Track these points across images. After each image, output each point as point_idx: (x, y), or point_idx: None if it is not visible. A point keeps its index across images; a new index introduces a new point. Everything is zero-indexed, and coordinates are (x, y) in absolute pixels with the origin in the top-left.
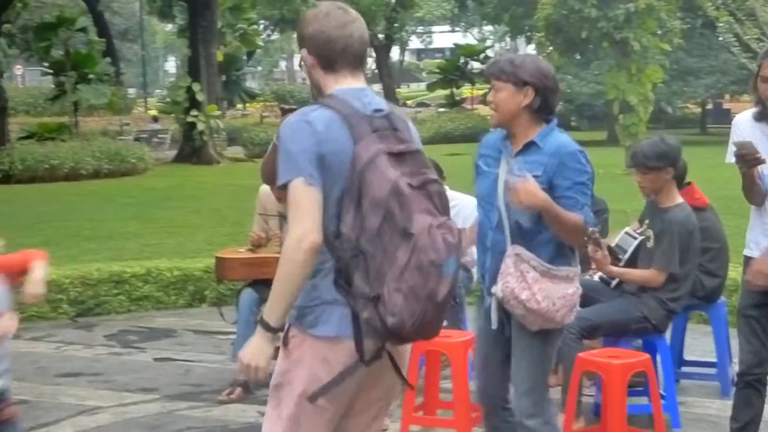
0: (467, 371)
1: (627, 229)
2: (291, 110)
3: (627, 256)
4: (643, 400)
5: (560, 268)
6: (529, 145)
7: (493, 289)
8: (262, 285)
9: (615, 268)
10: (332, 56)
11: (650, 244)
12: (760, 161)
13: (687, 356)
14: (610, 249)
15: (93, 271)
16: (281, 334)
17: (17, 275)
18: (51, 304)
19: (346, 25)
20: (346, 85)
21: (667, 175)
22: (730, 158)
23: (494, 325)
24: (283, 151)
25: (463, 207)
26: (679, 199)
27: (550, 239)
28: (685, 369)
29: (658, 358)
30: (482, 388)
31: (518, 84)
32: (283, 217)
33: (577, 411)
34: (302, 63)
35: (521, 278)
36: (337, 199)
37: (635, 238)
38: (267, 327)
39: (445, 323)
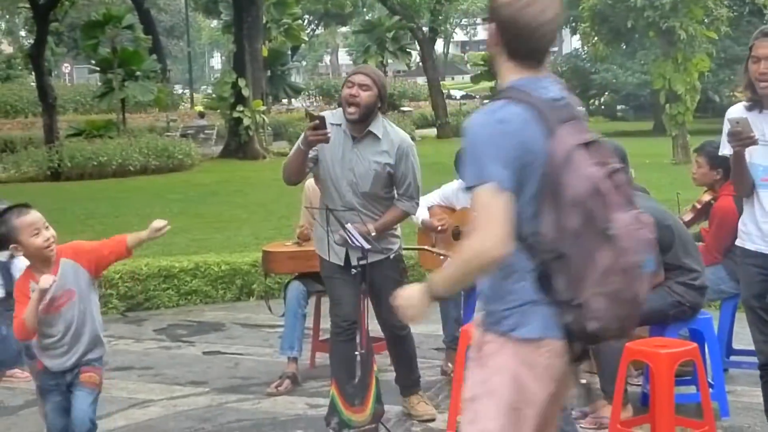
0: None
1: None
2: (317, 117)
3: None
4: (691, 389)
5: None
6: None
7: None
8: (309, 278)
9: None
10: (523, 49)
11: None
12: (754, 140)
13: (735, 345)
14: None
15: (142, 266)
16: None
17: (104, 260)
18: (101, 299)
19: (549, 22)
20: (528, 75)
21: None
22: (724, 149)
23: None
24: (472, 153)
25: None
26: None
27: None
28: (733, 358)
29: (706, 347)
30: None
31: None
32: (330, 211)
33: (624, 400)
34: (489, 36)
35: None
36: (533, 198)
37: None
38: (433, 291)
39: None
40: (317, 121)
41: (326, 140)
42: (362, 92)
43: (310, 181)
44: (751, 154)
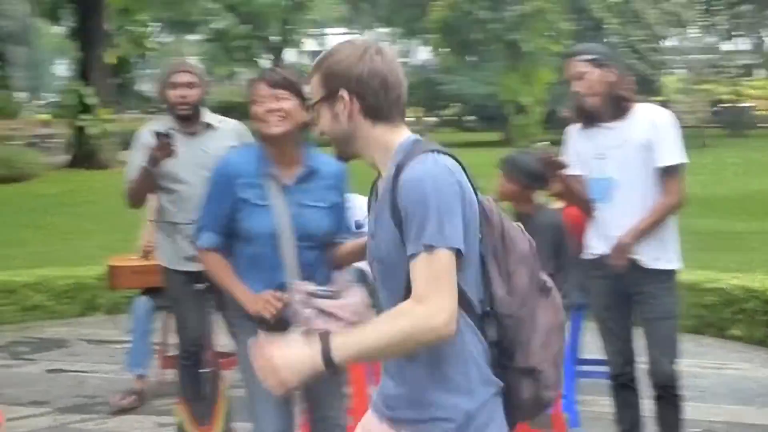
0: None
1: None
2: (164, 134)
3: None
4: None
5: (330, 288)
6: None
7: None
8: (157, 293)
9: None
10: (387, 105)
11: None
12: (562, 165)
13: (585, 355)
14: None
15: None
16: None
17: None
18: None
19: (399, 70)
20: (406, 135)
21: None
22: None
23: None
24: (434, 206)
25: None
26: (537, 203)
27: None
28: (582, 368)
29: None
30: None
31: None
32: (172, 225)
33: None
34: (326, 106)
35: (322, 314)
36: (479, 263)
37: None
38: (327, 357)
39: None
40: (165, 139)
41: (173, 153)
42: (191, 91)
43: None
44: (591, 171)
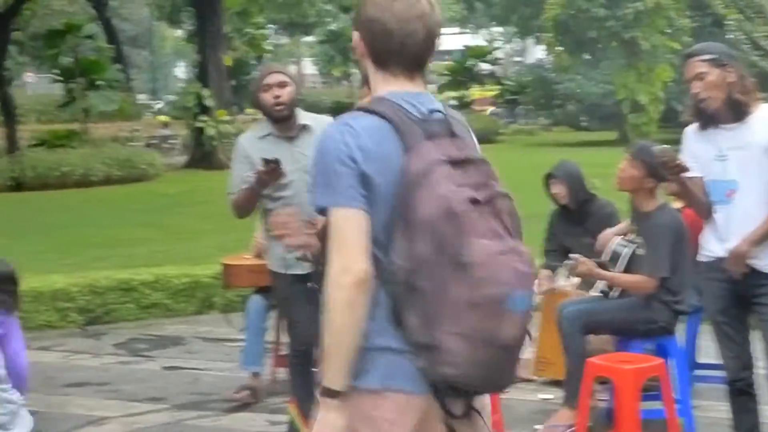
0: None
1: (617, 240)
2: (272, 161)
3: (622, 266)
4: (657, 405)
5: None
6: None
7: None
8: (270, 292)
9: (604, 272)
10: (386, 53)
11: (640, 251)
12: (683, 168)
13: (701, 359)
14: (601, 264)
15: (101, 278)
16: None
17: None
18: (60, 312)
19: (411, 20)
20: (399, 87)
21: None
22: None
23: None
24: (321, 170)
25: None
26: (660, 201)
27: None
28: (698, 372)
29: (672, 361)
30: None
31: None
32: None
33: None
34: (354, 47)
35: None
36: (386, 224)
37: (626, 246)
38: (328, 392)
39: None
40: (273, 165)
41: (282, 176)
42: (283, 90)
43: None
44: (710, 173)
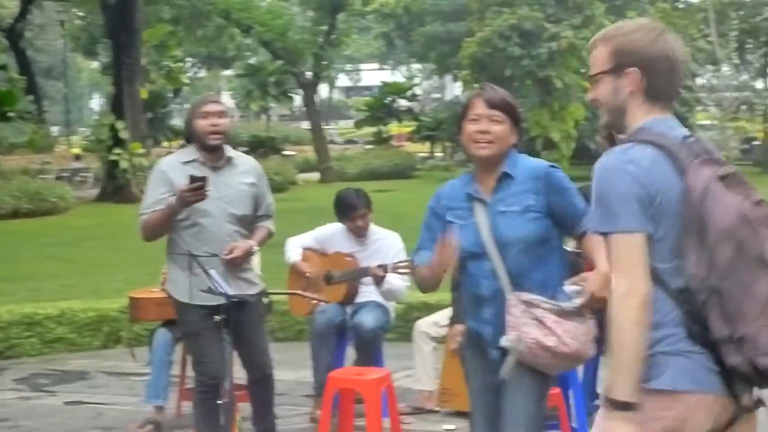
0: (380, 409)
1: None
2: (199, 178)
3: None
4: None
5: (566, 304)
6: (503, 178)
7: (505, 341)
8: (176, 325)
9: None
10: (662, 88)
11: None
12: None
13: (600, 389)
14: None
15: (4, 313)
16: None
17: None
18: None
19: (682, 57)
20: (656, 115)
21: None
22: None
23: (506, 376)
24: (602, 197)
25: (388, 242)
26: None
27: (545, 278)
28: (598, 402)
29: (570, 391)
30: None
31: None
32: (192, 257)
33: None
34: (610, 79)
35: (540, 325)
36: (675, 241)
37: None
38: (619, 405)
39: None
40: (200, 183)
41: (204, 197)
42: (222, 120)
43: None
44: None
